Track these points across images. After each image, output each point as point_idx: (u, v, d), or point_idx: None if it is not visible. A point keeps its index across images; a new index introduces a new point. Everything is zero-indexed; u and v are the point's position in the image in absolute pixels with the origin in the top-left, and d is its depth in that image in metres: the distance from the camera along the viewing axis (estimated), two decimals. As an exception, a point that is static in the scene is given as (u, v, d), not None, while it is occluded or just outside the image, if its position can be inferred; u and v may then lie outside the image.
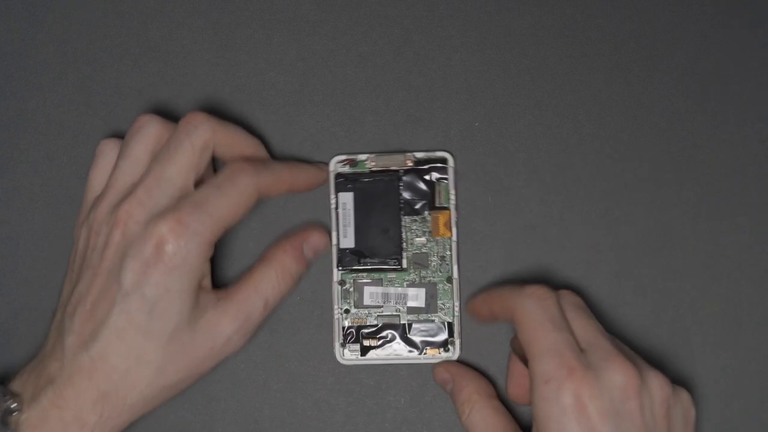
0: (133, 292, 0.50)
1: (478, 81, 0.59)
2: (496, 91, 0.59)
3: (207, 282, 0.53)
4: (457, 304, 0.57)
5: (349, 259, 0.57)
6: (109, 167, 0.54)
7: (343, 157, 0.58)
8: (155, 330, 0.50)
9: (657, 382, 0.50)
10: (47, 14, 0.60)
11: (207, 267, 0.53)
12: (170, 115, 0.59)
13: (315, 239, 0.56)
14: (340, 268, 0.57)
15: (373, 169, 0.58)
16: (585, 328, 0.51)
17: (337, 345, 0.57)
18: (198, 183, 0.53)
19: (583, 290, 0.58)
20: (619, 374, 0.49)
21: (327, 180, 0.58)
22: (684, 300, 0.58)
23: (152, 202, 0.51)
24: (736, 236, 0.58)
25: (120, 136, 0.59)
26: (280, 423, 0.58)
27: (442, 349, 0.57)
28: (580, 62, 0.59)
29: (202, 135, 0.52)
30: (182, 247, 0.50)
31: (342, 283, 0.57)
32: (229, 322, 0.52)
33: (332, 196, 0.57)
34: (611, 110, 0.59)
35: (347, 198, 0.57)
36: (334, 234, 0.57)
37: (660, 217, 0.58)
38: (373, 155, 0.58)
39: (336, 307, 0.57)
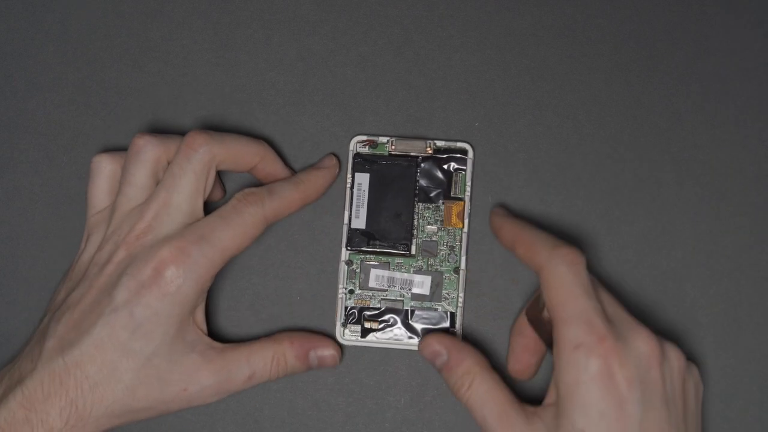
0: (122, 308, 0.51)
1: (478, 81, 0.59)
2: (496, 91, 0.59)
3: (200, 317, 0.54)
4: (461, 295, 0.57)
5: (358, 239, 0.57)
6: (106, 184, 0.55)
7: (364, 137, 0.58)
8: (134, 349, 0.51)
9: (675, 354, 0.51)
10: (47, 14, 0.60)
11: (202, 298, 0.53)
12: (171, 117, 0.59)
13: (326, 354, 0.56)
14: (348, 247, 0.57)
15: (392, 152, 0.58)
16: (609, 299, 0.52)
17: (338, 324, 0.57)
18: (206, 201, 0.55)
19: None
20: (644, 344, 0.50)
21: (338, 173, 0.58)
22: (684, 300, 0.58)
23: (160, 227, 0.52)
24: (736, 236, 0.58)
25: (119, 137, 0.59)
26: (280, 423, 0.58)
27: None
28: (580, 62, 0.59)
29: (203, 159, 0.53)
30: (180, 275, 0.51)
31: (349, 263, 0.58)
32: (209, 373, 0.53)
33: (348, 175, 0.58)
34: (611, 110, 0.59)
35: (363, 179, 0.58)
36: (346, 213, 0.57)
37: (660, 217, 0.58)
38: (393, 139, 0.58)
39: (341, 286, 0.57)
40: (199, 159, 0.53)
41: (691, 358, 0.57)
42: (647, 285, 0.58)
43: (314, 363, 0.56)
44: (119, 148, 0.59)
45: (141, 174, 0.54)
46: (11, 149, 0.59)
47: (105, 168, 0.55)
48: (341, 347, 0.57)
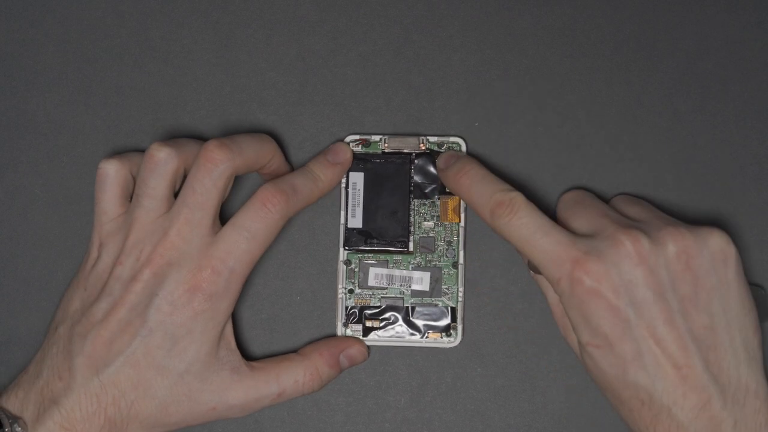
0: (157, 329, 0.51)
1: (478, 81, 0.59)
2: (496, 91, 0.59)
3: (229, 329, 0.54)
4: (461, 289, 0.57)
5: (355, 239, 0.57)
6: (117, 191, 0.54)
7: (357, 136, 0.58)
8: (168, 367, 0.52)
9: (669, 238, 0.50)
10: (47, 14, 0.60)
11: (231, 311, 0.54)
12: (171, 117, 0.59)
13: (354, 351, 0.57)
14: (346, 247, 0.57)
15: (385, 150, 0.58)
16: (586, 216, 0.52)
17: (339, 324, 0.57)
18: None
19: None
20: (621, 246, 0.50)
21: (351, 159, 0.57)
22: (684, 300, 0.58)
23: (185, 244, 0.52)
24: (736, 236, 0.58)
25: (120, 137, 0.59)
26: (280, 423, 0.58)
27: (443, 334, 0.57)
28: (580, 62, 0.59)
29: (224, 173, 0.53)
30: (213, 295, 0.52)
31: (347, 262, 0.58)
32: (239, 393, 0.53)
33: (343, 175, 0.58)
34: (611, 110, 0.59)
35: (358, 178, 0.58)
36: (342, 213, 0.57)
37: (660, 217, 0.58)
38: (386, 137, 0.58)
39: (340, 286, 0.57)
40: (221, 174, 0.53)
41: (717, 222, 0.58)
42: (647, 285, 0.58)
43: (345, 364, 0.57)
44: (120, 148, 0.59)
45: (161, 186, 0.53)
46: (12, 149, 0.59)
47: (116, 174, 0.54)
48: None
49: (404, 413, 0.58)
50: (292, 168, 0.58)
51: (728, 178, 0.58)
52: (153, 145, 0.53)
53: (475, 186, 0.54)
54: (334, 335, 0.58)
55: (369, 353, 0.57)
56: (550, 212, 0.58)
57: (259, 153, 0.54)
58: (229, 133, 0.59)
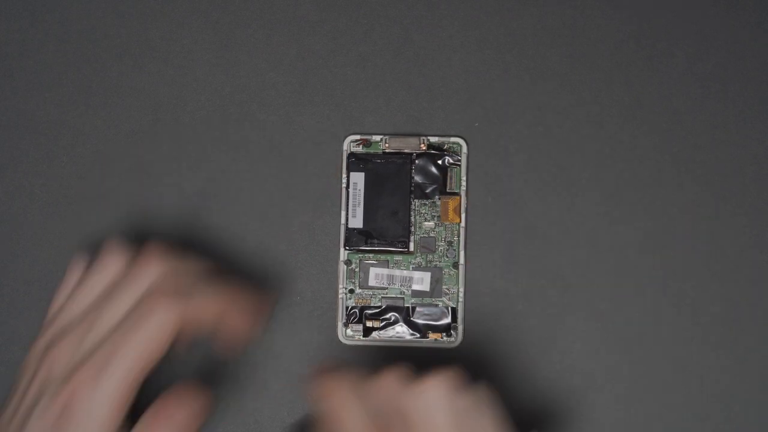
0: None
1: (478, 81, 0.59)
2: (496, 91, 0.59)
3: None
4: (462, 289, 0.57)
5: (356, 239, 0.57)
6: (70, 290, 0.52)
7: (357, 136, 0.58)
8: None
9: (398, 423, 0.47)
10: (47, 14, 0.60)
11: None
12: (171, 117, 0.59)
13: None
14: (347, 247, 0.57)
15: (386, 150, 0.58)
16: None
17: (339, 324, 0.57)
18: None
19: (583, 290, 0.58)
20: None
21: (268, 318, 0.55)
22: (684, 300, 0.58)
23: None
24: (736, 236, 0.58)
25: (120, 137, 0.59)
26: (281, 423, 0.58)
27: (444, 334, 0.57)
28: (580, 62, 0.59)
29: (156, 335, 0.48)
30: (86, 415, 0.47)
31: (348, 262, 0.58)
32: None
33: (343, 175, 0.58)
34: (611, 110, 0.59)
35: (358, 178, 0.58)
36: (342, 213, 0.58)
37: (660, 217, 0.58)
38: (387, 137, 0.58)
39: (341, 286, 0.57)
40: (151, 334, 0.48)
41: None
42: (647, 285, 0.58)
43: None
44: (120, 149, 0.59)
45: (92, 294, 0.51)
46: (11, 149, 0.59)
47: (77, 274, 0.52)
48: (344, 347, 0.57)
49: (404, 413, 0.58)
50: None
51: (728, 178, 0.58)
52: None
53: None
54: (333, 336, 0.58)
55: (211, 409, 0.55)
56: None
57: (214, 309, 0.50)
58: (229, 134, 0.59)
